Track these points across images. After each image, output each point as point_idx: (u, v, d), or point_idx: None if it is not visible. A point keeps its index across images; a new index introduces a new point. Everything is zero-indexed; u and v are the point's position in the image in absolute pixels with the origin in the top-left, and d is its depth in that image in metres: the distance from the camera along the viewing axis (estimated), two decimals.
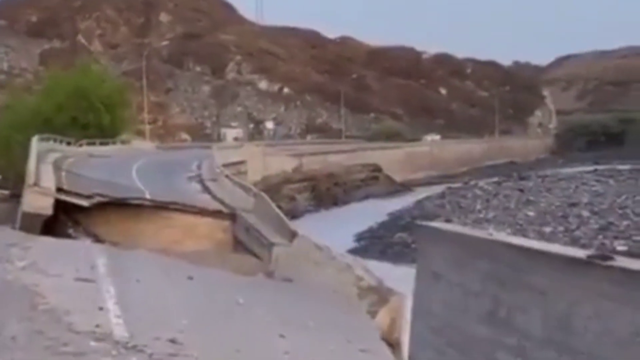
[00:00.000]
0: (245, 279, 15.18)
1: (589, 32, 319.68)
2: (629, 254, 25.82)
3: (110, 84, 55.29)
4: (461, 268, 7.79)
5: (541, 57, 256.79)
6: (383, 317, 16.09)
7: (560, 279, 5.73)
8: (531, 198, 44.46)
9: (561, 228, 33.05)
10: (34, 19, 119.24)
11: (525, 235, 31.21)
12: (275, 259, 18.91)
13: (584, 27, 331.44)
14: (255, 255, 20.28)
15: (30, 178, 20.92)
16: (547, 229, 32.58)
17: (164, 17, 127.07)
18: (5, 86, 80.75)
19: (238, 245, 22.23)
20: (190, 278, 10.08)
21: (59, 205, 21.21)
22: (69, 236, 22.01)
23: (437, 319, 8.66)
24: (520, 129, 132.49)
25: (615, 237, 30.23)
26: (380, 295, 16.47)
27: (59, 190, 21.49)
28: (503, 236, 7.97)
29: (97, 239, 22.18)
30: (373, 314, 16.10)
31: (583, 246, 27.95)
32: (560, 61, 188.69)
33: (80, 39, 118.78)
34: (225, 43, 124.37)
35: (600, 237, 30.77)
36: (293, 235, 19.33)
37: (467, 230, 9.38)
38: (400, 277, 23.67)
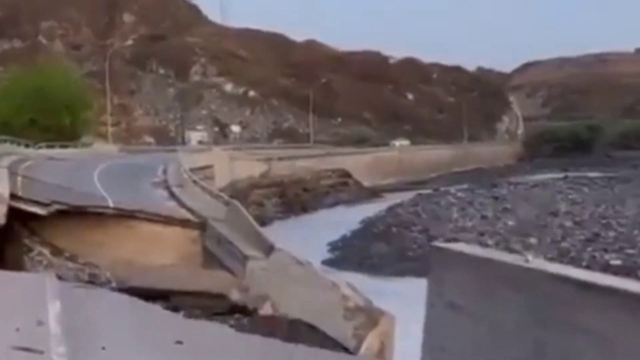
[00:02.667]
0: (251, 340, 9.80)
1: (552, 39, 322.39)
2: (624, 268, 24.75)
3: (72, 85, 53.55)
4: (488, 300, 6.51)
5: (505, 64, 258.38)
6: (372, 341, 14.65)
7: (628, 322, 4.56)
8: (508, 206, 43.43)
9: (547, 239, 31.92)
10: None
11: (509, 247, 30.08)
12: (249, 274, 17.38)
13: (546, 34, 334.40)
14: (227, 269, 18.70)
15: None
16: (532, 240, 31.37)
17: (127, 18, 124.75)
18: None
19: (208, 257, 20.66)
20: (180, 342, 6.74)
21: (14, 213, 19.44)
22: (25, 247, 20.36)
23: (454, 358, 7.14)
24: (487, 135, 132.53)
25: (605, 250, 29.15)
26: (369, 316, 15.02)
27: (14, 197, 19.72)
28: (543, 263, 6.47)
29: (56, 250, 20.55)
30: (360, 337, 14.65)
31: (573, 259, 26.86)
32: (524, 68, 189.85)
33: (42, 39, 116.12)
34: (190, 45, 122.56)
35: (590, 249, 29.65)
36: (269, 248, 17.78)
37: (495, 255, 7.87)
38: (380, 291, 22.31)
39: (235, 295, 16.35)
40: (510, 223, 36.73)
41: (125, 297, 11.49)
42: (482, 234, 34.02)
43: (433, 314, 8.34)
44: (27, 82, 48.80)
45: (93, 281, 18.32)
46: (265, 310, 16.38)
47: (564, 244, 31.11)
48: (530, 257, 6.99)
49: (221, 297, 16.36)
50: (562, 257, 27.02)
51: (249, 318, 16.01)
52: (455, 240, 33.04)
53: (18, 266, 19.56)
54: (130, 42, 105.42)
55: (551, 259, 26.16)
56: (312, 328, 15.41)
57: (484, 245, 31.26)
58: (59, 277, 17.91)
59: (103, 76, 70.36)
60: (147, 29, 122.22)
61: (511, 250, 28.78)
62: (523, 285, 6.19)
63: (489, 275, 6.59)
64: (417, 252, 31.99)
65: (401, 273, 28.73)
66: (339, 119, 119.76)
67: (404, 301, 21.98)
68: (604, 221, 37.03)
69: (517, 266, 6.58)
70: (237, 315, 16.06)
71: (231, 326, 15.37)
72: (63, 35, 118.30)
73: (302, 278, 16.32)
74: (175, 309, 15.95)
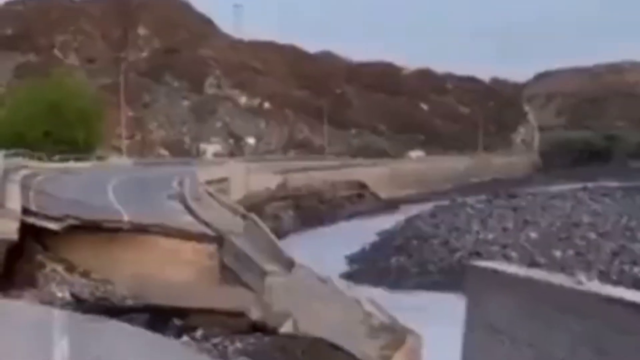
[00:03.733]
0: None
1: (566, 50, 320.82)
2: None
3: (86, 97, 53.16)
4: (535, 325, 6.18)
5: (519, 74, 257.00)
6: None
7: None
8: (528, 218, 42.60)
9: (571, 252, 31.08)
10: (8, 31, 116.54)
11: (534, 260, 29.35)
12: (269, 291, 16.76)
13: (560, 44, 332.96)
14: (246, 285, 18.07)
15: None
16: (557, 253, 30.58)
17: (141, 31, 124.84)
18: None
19: (226, 272, 20.01)
20: None
21: (26, 229, 18.88)
22: (38, 263, 19.78)
23: None
24: (503, 145, 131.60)
25: (634, 263, 28.34)
26: (395, 335, 14.36)
27: (26, 212, 19.16)
28: (597, 286, 5.94)
29: (70, 266, 19.97)
30: (386, 357, 13.98)
31: (602, 273, 26.09)
32: (538, 78, 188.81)
33: (56, 52, 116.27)
34: (204, 58, 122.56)
35: (617, 262, 28.85)
36: (289, 263, 17.17)
37: (539, 275, 7.32)
38: (401, 306, 21.64)
39: (254, 313, 15.71)
40: (533, 235, 35.93)
41: (136, 331, 10.76)
42: (504, 247, 33.26)
43: (471, 338, 7.83)
44: (42, 94, 48.37)
45: (108, 297, 17.75)
46: (286, 328, 15.75)
47: (589, 257, 30.29)
48: (583, 279, 6.37)
49: (240, 315, 15.73)
50: (589, 270, 26.26)
51: (270, 337, 15.35)
52: (477, 254, 32.40)
53: (31, 283, 19.02)
54: (144, 54, 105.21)
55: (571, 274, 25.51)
56: (335, 347, 14.79)
57: (508, 258, 30.64)
58: (73, 295, 17.44)
59: (117, 89, 70.12)
60: (161, 42, 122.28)
61: (536, 264, 28.09)
62: (575, 308, 5.60)
63: (534, 297, 6.20)
64: (439, 265, 31.37)
65: (423, 287, 28.09)
66: (353, 130, 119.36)
67: (428, 317, 21.33)
68: (628, 233, 36.21)
69: (568, 288, 6.08)
70: (257, 334, 15.39)
71: (251, 345, 14.78)
72: (78, 49, 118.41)
73: (324, 295, 15.68)
74: (193, 328, 15.39)
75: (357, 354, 14.51)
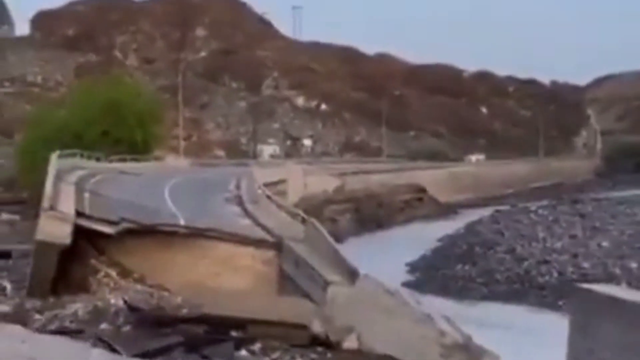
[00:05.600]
0: None
1: (629, 53, 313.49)
2: None
3: (144, 98, 52.93)
4: None
5: (579, 77, 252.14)
6: None
7: None
8: (597, 225, 40.88)
9: None
10: (70, 32, 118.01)
11: (607, 271, 27.85)
12: (331, 302, 15.72)
13: (623, 47, 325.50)
14: (306, 295, 17.05)
15: (46, 201, 17.98)
16: (633, 264, 29.03)
17: (200, 32, 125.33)
18: (40, 100, 78.85)
19: (285, 281, 19.07)
20: None
21: (80, 232, 18.22)
22: (91, 268, 19.14)
23: None
24: (564, 149, 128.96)
25: None
26: (470, 355, 13.23)
27: (80, 215, 18.49)
28: None
29: (124, 271, 19.28)
30: None
31: None
32: (599, 81, 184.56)
33: (116, 53, 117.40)
34: (261, 59, 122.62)
35: None
36: (353, 273, 16.08)
37: None
38: (469, 319, 20.50)
39: (316, 326, 14.66)
40: (605, 244, 34.28)
41: None
42: (575, 256, 31.73)
43: None
44: (100, 94, 48.22)
45: (163, 306, 16.93)
46: (350, 343, 14.71)
47: None
48: None
49: (301, 327, 14.69)
50: None
51: (333, 352, 14.32)
52: (546, 262, 31.00)
53: (84, 288, 18.42)
54: (202, 55, 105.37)
55: None
56: None
57: (579, 268, 29.18)
58: (125, 302, 16.67)
59: (175, 90, 70.13)
60: (219, 43, 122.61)
61: (612, 277, 26.62)
62: None
63: None
64: (505, 275, 30.07)
65: (490, 298, 26.86)
66: (412, 133, 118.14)
67: (500, 332, 20.18)
68: None
69: None
70: (318, 349, 14.38)
71: None
72: (137, 50, 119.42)
73: (391, 308, 14.57)
74: (251, 340, 14.49)
75: None
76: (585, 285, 7.18)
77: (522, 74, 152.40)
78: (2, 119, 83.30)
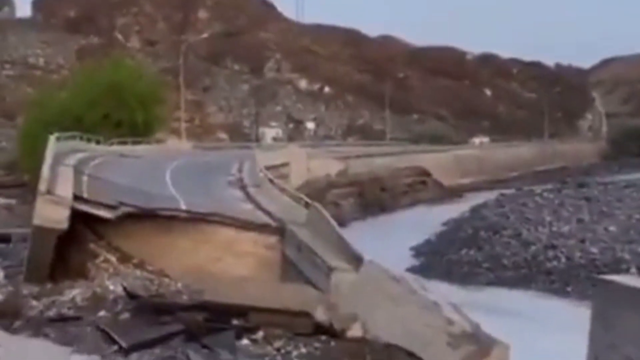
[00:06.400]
0: None
1: (633, 35, 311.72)
2: None
3: (146, 80, 52.41)
4: None
5: (583, 60, 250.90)
6: None
7: None
8: (604, 209, 40.31)
9: None
10: (71, 14, 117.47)
11: (616, 256, 27.39)
12: (335, 289, 15.29)
13: (627, 30, 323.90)
14: (309, 281, 16.62)
15: (43, 184, 17.52)
16: None
17: (202, 14, 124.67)
18: (41, 82, 78.37)
19: (287, 266, 18.65)
20: None
21: (78, 216, 17.79)
22: (90, 253, 18.73)
23: None
24: (569, 132, 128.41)
25: None
26: (479, 345, 12.80)
27: (78, 198, 18.05)
28: None
29: (123, 256, 18.86)
30: None
31: None
32: (603, 64, 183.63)
33: (118, 35, 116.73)
34: (264, 41, 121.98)
35: None
36: (358, 259, 15.63)
37: None
38: (476, 305, 20.07)
39: (320, 314, 14.23)
40: (612, 228, 33.77)
41: None
42: (582, 241, 31.25)
43: None
44: (101, 77, 47.74)
45: (162, 293, 16.54)
46: (354, 331, 14.28)
47: None
48: None
49: (304, 315, 14.26)
50: None
51: (337, 341, 13.90)
52: (553, 247, 30.55)
53: (82, 274, 18.03)
54: (204, 38, 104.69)
55: None
56: (409, 355, 13.31)
57: (587, 253, 28.73)
58: (124, 288, 16.27)
59: (177, 72, 69.50)
60: (222, 25, 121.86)
61: (621, 262, 26.20)
62: None
63: None
64: (512, 260, 29.63)
65: (496, 283, 26.44)
66: (415, 116, 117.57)
67: (507, 318, 19.74)
68: None
69: None
70: (322, 337, 13.96)
71: (317, 350, 13.41)
72: (139, 32, 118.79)
73: (397, 296, 14.13)
74: (253, 329, 14.08)
75: None
76: (608, 277, 6.79)
77: (526, 56, 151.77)
78: (3, 101, 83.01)
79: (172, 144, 52.29)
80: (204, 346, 13.10)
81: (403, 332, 13.54)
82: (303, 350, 13.37)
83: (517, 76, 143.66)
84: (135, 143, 43.83)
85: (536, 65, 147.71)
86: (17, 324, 13.81)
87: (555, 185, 60.66)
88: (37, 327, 13.67)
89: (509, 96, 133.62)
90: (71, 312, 15.38)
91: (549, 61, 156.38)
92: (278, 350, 13.36)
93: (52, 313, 15.38)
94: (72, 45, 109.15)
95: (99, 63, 54.20)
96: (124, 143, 42.20)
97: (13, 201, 40.39)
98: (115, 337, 13.30)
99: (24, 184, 43.42)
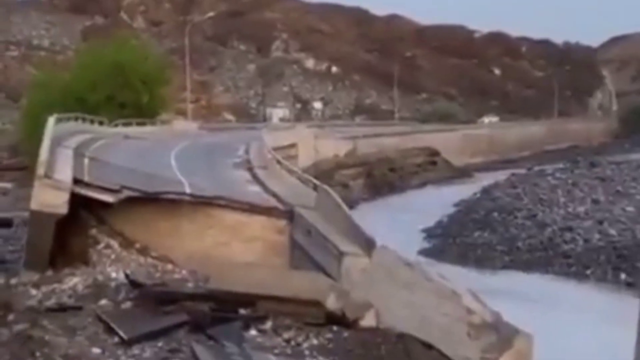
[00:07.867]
0: None
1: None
2: None
3: (150, 60, 51.56)
4: None
5: (592, 38, 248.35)
6: None
7: None
8: (619, 189, 39.43)
9: None
10: None
11: (636, 237, 26.60)
12: (346, 275, 14.58)
13: (636, 7, 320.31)
14: (319, 267, 15.92)
15: (41, 167, 16.80)
16: None
17: None
18: (46, 63, 77.52)
19: (296, 251, 17.95)
20: None
21: (79, 200, 17.10)
22: (91, 238, 18.07)
23: None
24: (579, 111, 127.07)
25: None
26: (500, 335, 12.11)
27: (78, 182, 17.34)
28: None
29: (126, 242, 18.22)
30: None
31: None
32: (612, 42, 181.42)
33: (123, 15, 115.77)
34: (270, 20, 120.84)
35: None
36: (370, 243, 14.88)
37: None
38: (490, 289, 19.35)
39: (332, 302, 13.54)
40: (629, 209, 32.92)
41: None
42: (600, 222, 30.44)
43: None
44: (105, 57, 46.89)
45: (166, 282, 15.88)
46: (368, 321, 13.60)
47: None
48: None
49: (315, 303, 13.56)
50: None
51: (349, 331, 13.21)
52: (569, 229, 29.74)
53: (84, 260, 17.39)
54: (210, 18, 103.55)
55: None
56: (426, 346, 12.63)
57: (606, 235, 27.97)
58: (127, 276, 15.62)
59: (183, 52, 68.56)
60: (227, 4, 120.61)
61: None
62: None
63: None
64: (527, 242, 28.85)
65: (512, 267, 25.71)
66: (423, 95, 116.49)
67: (528, 304, 19.05)
68: None
69: None
70: (334, 327, 13.27)
71: (329, 341, 12.73)
72: (144, 12, 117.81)
73: (412, 283, 13.42)
74: (262, 318, 13.42)
75: (453, 357, 12.33)
76: None
77: (535, 35, 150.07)
78: (8, 83, 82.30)
79: (178, 125, 51.46)
80: (210, 337, 12.53)
81: (419, 322, 12.88)
82: (314, 341, 12.74)
83: (526, 55, 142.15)
84: (139, 124, 43.12)
85: (545, 44, 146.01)
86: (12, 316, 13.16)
87: (567, 165, 59.76)
88: (34, 318, 13.04)
89: (518, 75, 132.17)
90: (72, 301, 14.82)
91: (558, 39, 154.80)
92: (287, 341, 12.74)
93: (51, 302, 14.82)
94: (77, 26, 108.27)
95: (103, 44, 53.29)
96: (128, 124, 41.48)
97: (12, 185, 39.88)
98: (116, 328, 12.69)
99: (27, 167, 42.79)
